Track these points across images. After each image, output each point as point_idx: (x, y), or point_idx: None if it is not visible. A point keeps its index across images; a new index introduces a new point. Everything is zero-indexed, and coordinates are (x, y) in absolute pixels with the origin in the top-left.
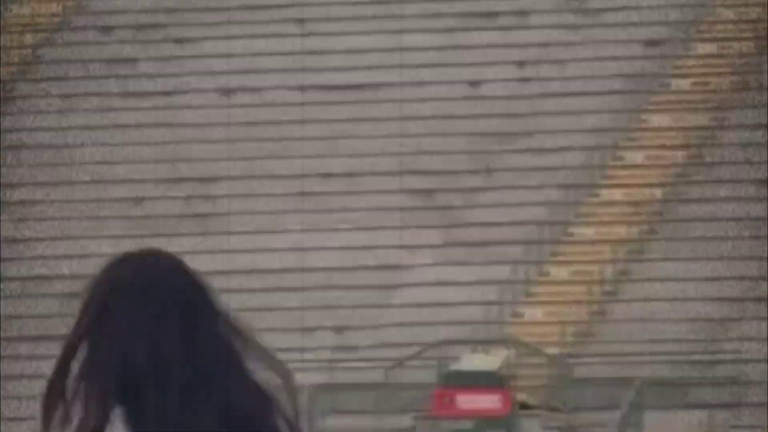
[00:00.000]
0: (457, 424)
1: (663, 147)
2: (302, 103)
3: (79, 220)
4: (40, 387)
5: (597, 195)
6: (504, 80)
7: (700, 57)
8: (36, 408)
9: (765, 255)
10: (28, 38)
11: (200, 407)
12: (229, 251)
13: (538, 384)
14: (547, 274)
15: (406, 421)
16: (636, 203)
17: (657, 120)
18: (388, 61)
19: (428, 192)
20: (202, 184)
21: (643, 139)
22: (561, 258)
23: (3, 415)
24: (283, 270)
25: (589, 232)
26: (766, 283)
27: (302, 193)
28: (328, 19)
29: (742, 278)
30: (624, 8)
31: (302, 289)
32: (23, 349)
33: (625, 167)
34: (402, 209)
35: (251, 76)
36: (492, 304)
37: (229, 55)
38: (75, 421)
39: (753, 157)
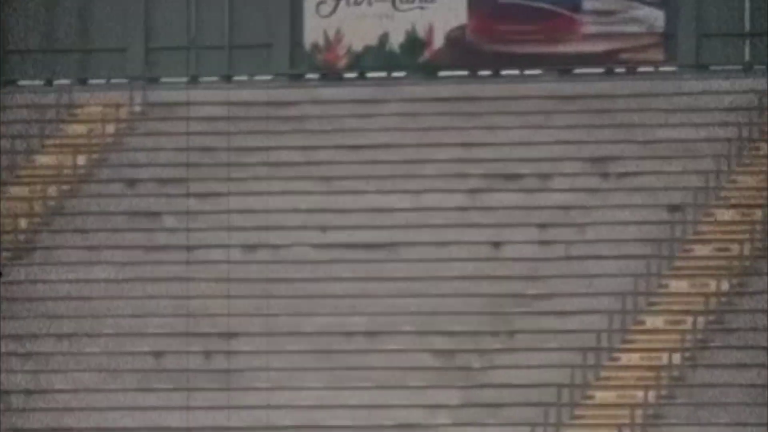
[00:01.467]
0: None
1: (683, 312)
2: (324, 261)
3: (97, 373)
4: None
5: (616, 359)
6: (525, 242)
7: (720, 223)
8: None
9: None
10: (52, 190)
11: None
12: (247, 407)
13: None
14: None
15: None
16: (655, 368)
17: (677, 285)
18: (410, 221)
19: (448, 352)
20: (222, 340)
21: (663, 304)
22: (580, 421)
23: None
24: (302, 427)
25: (607, 395)
26: None
27: (323, 351)
28: (352, 177)
29: None
30: (645, 173)
31: None
32: None
33: (645, 331)
34: (422, 369)
35: (273, 233)
36: None
37: (251, 211)
38: None
39: None
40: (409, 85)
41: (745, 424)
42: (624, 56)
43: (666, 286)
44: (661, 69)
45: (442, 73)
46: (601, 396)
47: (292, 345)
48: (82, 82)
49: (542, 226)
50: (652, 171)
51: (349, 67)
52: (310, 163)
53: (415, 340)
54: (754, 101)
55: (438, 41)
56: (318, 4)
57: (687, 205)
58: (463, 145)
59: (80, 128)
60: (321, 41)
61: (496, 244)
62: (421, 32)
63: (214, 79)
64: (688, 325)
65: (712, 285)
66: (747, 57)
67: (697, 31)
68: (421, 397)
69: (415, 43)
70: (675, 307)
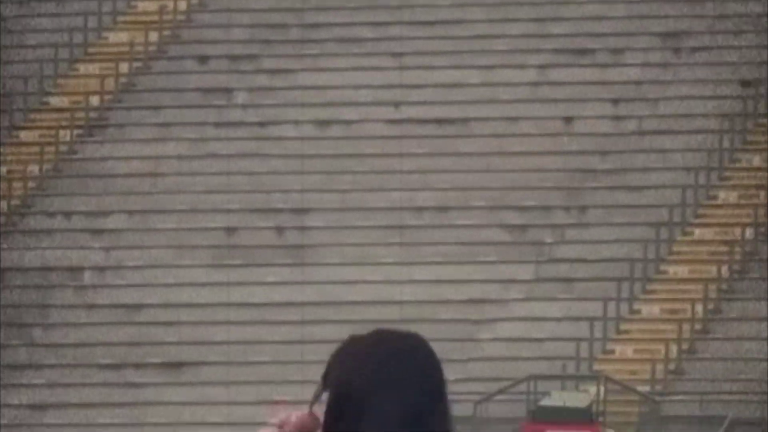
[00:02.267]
0: None
1: (756, 186)
2: (396, 137)
3: (170, 249)
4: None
5: (689, 233)
6: (597, 117)
7: None
8: None
9: None
10: (124, 67)
11: None
12: (320, 283)
13: (627, 421)
14: (639, 311)
15: None
16: (728, 242)
17: (750, 159)
18: (482, 96)
19: (520, 227)
20: (295, 215)
21: (736, 178)
22: (652, 296)
23: None
24: (375, 302)
25: (680, 270)
26: None
27: (395, 226)
28: (423, 53)
29: None
30: (718, 47)
31: (393, 321)
32: (114, 376)
33: (718, 206)
34: (494, 244)
35: (345, 109)
36: (583, 340)
37: (323, 87)
38: None
39: None
40: None
41: None
42: None
43: (739, 160)
44: None
45: None
46: (674, 271)
47: (363, 221)
48: None
49: (614, 101)
50: (724, 45)
51: None
52: (382, 39)
53: (486, 215)
54: None
55: None
56: None
57: (760, 80)
58: (535, 20)
59: (152, 5)
60: None
61: (568, 119)
62: None
63: None
64: (762, 200)
65: None
66: None
67: None
68: (492, 272)
69: None
70: (748, 182)
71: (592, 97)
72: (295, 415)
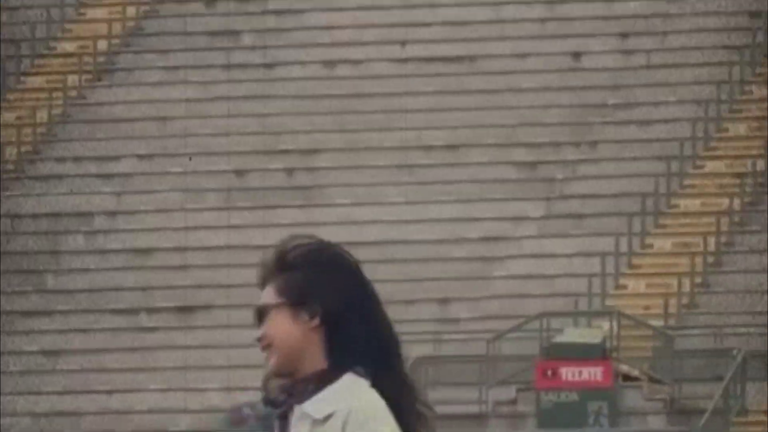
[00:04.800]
0: (559, 396)
1: (766, 118)
2: (403, 75)
3: (180, 192)
4: None
5: (700, 167)
6: (606, 52)
7: None
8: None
9: None
10: (131, 10)
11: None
12: (330, 223)
13: (640, 356)
14: (650, 245)
15: (508, 392)
16: (739, 175)
17: (760, 91)
18: (489, 33)
19: (530, 164)
20: (304, 156)
21: (746, 110)
22: (664, 230)
23: None
24: (386, 242)
25: (692, 203)
26: None
27: (404, 166)
28: None
29: None
30: None
31: (404, 261)
32: (126, 321)
33: (728, 139)
34: (504, 181)
35: (351, 48)
36: (595, 276)
37: (329, 27)
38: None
39: None
40: None
41: None
42: None
43: (750, 92)
44: None
45: None
46: (685, 204)
47: (373, 160)
48: None
49: (623, 35)
50: None
51: None
52: None
53: (496, 153)
54: None
55: None
56: None
57: None
58: None
59: None
60: None
61: (576, 55)
62: None
63: None
64: None
65: None
66: None
67: None
68: (504, 209)
69: None
70: (758, 114)
71: (600, 32)
72: None
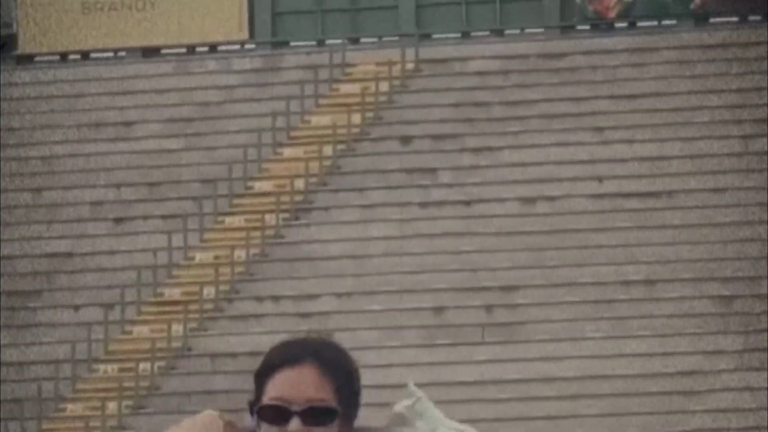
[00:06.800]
0: None
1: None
2: (600, 211)
3: (379, 330)
4: None
5: None
6: None
7: None
8: None
9: None
10: (328, 149)
11: None
12: (529, 359)
13: None
14: None
15: None
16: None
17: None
18: (685, 168)
19: (727, 298)
20: (503, 293)
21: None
22: None
23: None
24: (583, 378)
25: None
26: None
27: (602, 300)
28: (624, 127)
29: None
30: None
31: (604, 395)
32: None
33: None
34: (701, 315)
35: (549, 185)
36: None
37: (527, 164)
38: None
39: None
40: (680, 33)
41: None
42: None
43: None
44: None
45: (712, 20)
46: None
47: (571, 296)
48: (354, 41)
49: None
50: None
51: (620, 17)
52: (584, 114)
53: (693, 287)
54: None
55: None
56: None
57: None
58: (737, 90)
59: (354, 87)
60: None
61: None
62: None
63: (486, 33)
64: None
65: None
66: None
67: None
68: (701, 343)
69: None
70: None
71: None
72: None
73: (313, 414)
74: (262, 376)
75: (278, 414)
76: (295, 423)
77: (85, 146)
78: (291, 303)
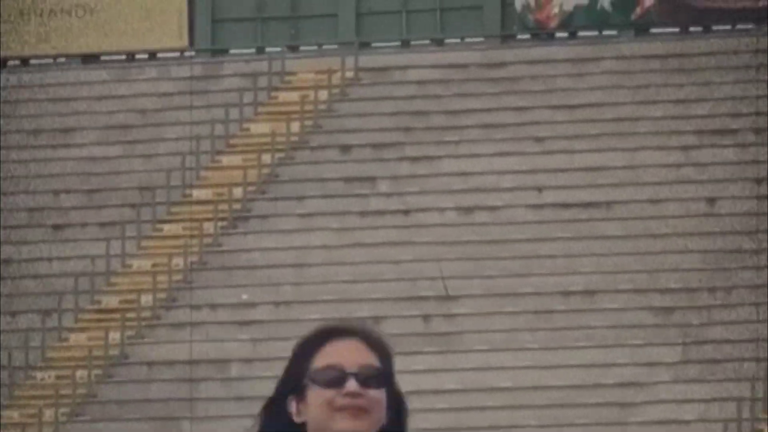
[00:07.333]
0: None
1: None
2: (540, 221)
3: None
4: None
5: None
6: (741, 197)
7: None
8: None
9: None
10: (266, 158)
11: None
12: (467, 369)
13: None
14: None
15: None
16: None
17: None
18: (625, 179)
19: (666, 309)
20: (440, 303)
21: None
22: None
23: None
24: (521, 388)
25: None
26: None
27: (541, 311)
28: (564, 137)
29: None
30: None
31: (541, 406)
32: None
33: None
34: (640, 326)
35: (488, 195)
36: (730, 421)
37: (466, 173)
38: None
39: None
40: (621, 43)
41: None
42: None
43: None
44: None
45: (653, 30)
46: None
47: (510, 306)
48: (294, 49)
49: (758, 180)
50: None
51: (561, 27)
52: (524, 123)
53: (632, 298)
54: None
55: None
56: None
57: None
58: (677, 101)
59: (293, 95)
60: (532, 1)
61: (711, 200)
62: None
63: (426, 41)
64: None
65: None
66: None
67: None
68: (640, 354)
69: (626, 1)
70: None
71: (736, 177)
72: None
73: (368, 375)
74: (308, 351)
75: (334, 377)
76: (351, 383)
77: (24, 152)
78: (229, 311)
